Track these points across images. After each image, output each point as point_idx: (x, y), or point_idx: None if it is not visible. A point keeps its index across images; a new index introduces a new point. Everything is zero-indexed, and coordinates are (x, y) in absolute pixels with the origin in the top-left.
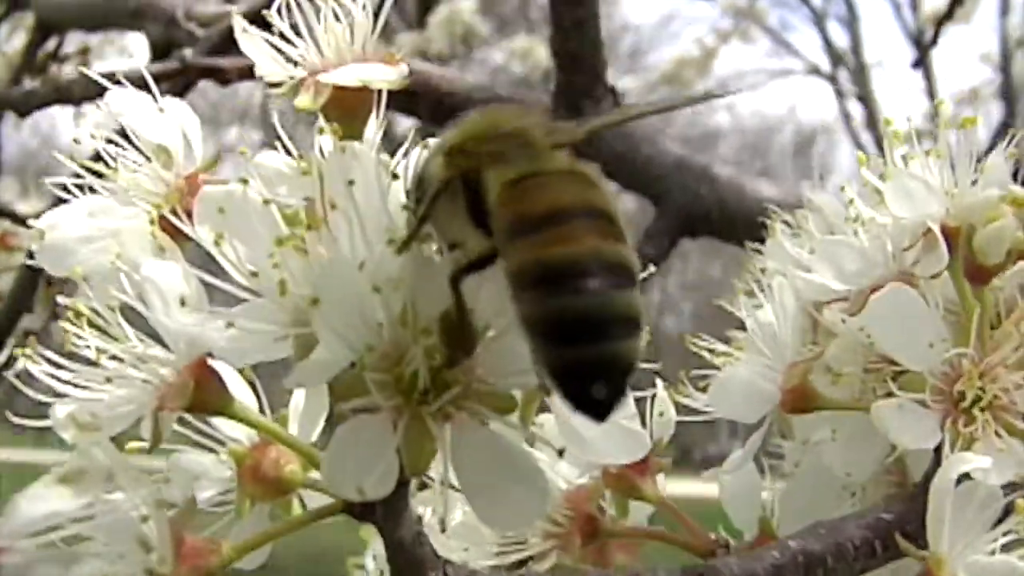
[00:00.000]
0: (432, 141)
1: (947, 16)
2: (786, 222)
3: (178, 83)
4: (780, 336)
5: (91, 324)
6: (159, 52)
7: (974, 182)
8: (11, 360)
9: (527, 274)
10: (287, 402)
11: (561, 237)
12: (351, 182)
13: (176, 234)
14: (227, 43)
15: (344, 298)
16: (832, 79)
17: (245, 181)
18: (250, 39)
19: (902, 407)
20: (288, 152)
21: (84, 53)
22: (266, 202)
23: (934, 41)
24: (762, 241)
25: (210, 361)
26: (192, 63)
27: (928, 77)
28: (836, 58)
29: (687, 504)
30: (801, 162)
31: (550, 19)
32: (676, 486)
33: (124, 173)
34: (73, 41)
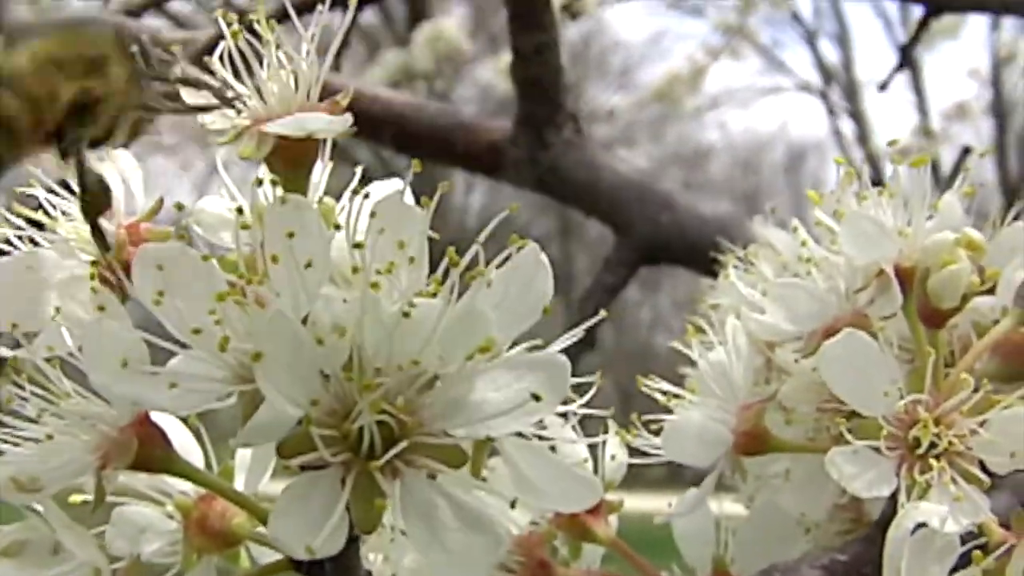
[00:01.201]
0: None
1: (914, 39)
2: (739, 258)
3: None
4: (732, 377)
5: (31, 380)
6: None
7: (929, 218)
8: None
9: None
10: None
11: None
12: (291, 234)
13: (117, 287)
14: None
15: (287, 350)
16: (823, 96)
17: (182, 236)
18: (192, 89)
19: (856, 453)
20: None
21: None
22: (205, 258)
23: (902, 65)
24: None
25: (153, 415)
26: None
27: (919, 93)
28: (827, 75)
29: None
30: (792, 179)
31: (510, 46)
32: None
33: (64, 223)
34: None
